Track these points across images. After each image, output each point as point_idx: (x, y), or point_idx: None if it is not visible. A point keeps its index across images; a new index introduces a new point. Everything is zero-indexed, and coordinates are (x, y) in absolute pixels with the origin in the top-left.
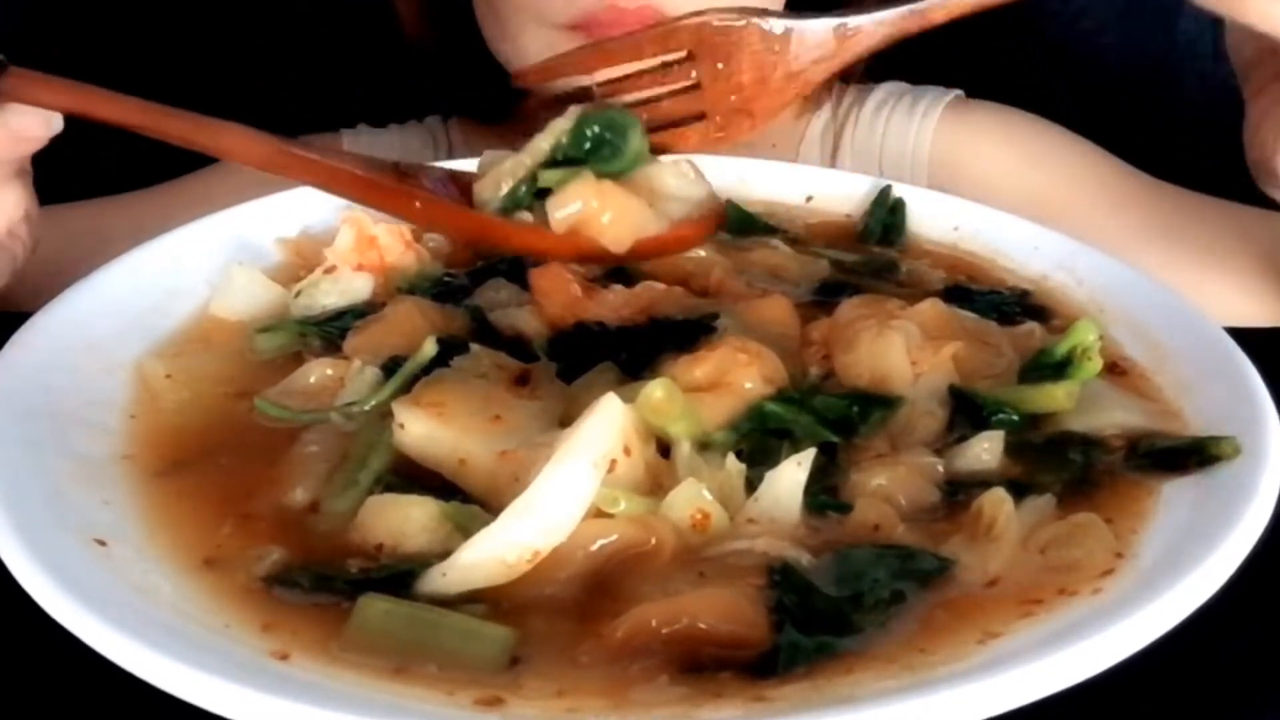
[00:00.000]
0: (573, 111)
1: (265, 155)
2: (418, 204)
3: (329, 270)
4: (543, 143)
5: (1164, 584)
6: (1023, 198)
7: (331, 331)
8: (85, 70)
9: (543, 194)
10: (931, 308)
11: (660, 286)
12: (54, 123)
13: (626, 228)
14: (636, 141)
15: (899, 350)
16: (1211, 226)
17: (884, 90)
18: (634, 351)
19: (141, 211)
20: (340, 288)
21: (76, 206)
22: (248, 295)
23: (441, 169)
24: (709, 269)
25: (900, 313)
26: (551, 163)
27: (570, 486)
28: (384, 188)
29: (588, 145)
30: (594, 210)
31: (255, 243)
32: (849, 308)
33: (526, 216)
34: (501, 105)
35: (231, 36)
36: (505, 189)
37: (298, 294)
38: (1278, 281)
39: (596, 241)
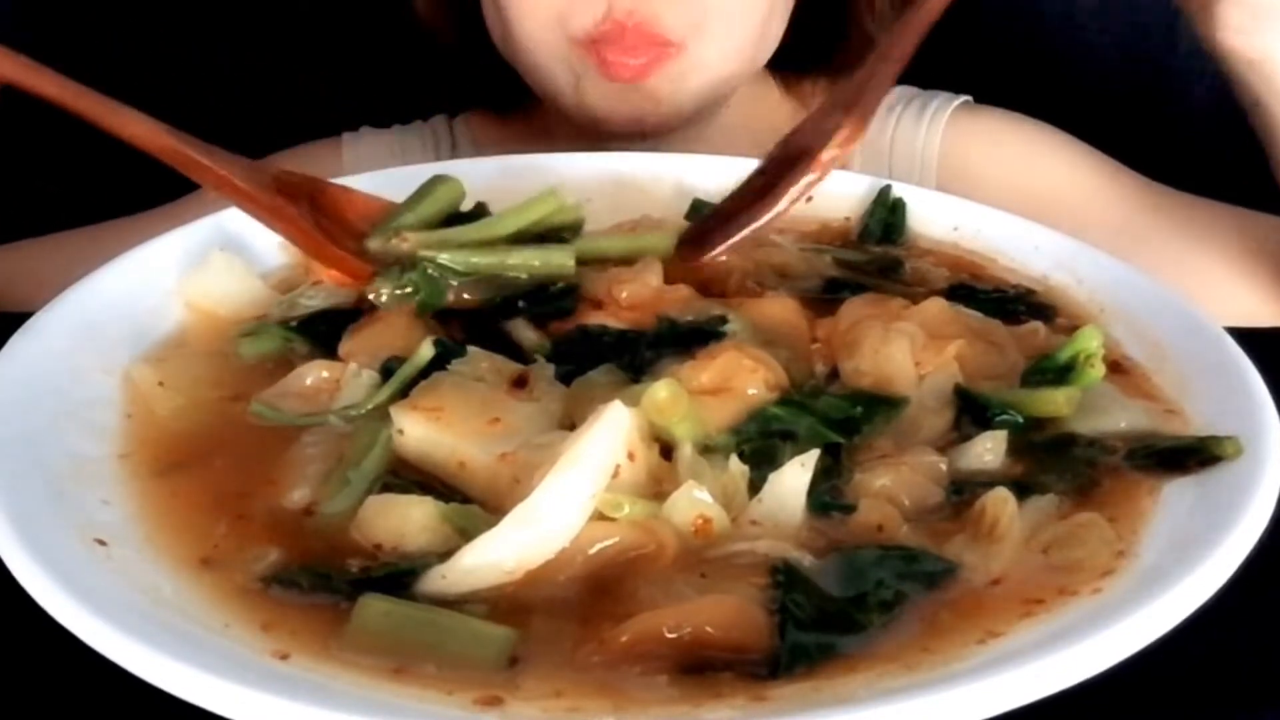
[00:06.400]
0: None
1: (164, 147)
2: (279, 224)
3: (316, 283)
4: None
5: (1165, 584)
6: (1021, 197)
7: (316, 332)
8: (91, 70)
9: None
10: (935, 306)
11: (663, 287)
12: None
13: None
14: None
15: (903, 356)
16: (1204, 224)
17: (894, 94)
18: (637, 355)
19: (78, 248)
20: (325, 292)
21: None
22: (222, 282)
23: (337, 187)
24: (726, 275)
25: (904, 312)
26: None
27: (572, 496)
28: (257, 202)
29: None
30: None
31: (256, 244)
32: (853, 307)
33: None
34: (515, 94)
35: (237, 35)
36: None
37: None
38: (1267, 277)
39: None
